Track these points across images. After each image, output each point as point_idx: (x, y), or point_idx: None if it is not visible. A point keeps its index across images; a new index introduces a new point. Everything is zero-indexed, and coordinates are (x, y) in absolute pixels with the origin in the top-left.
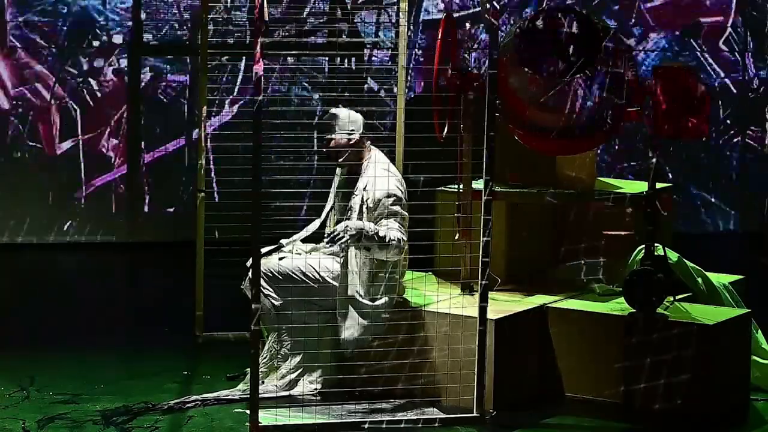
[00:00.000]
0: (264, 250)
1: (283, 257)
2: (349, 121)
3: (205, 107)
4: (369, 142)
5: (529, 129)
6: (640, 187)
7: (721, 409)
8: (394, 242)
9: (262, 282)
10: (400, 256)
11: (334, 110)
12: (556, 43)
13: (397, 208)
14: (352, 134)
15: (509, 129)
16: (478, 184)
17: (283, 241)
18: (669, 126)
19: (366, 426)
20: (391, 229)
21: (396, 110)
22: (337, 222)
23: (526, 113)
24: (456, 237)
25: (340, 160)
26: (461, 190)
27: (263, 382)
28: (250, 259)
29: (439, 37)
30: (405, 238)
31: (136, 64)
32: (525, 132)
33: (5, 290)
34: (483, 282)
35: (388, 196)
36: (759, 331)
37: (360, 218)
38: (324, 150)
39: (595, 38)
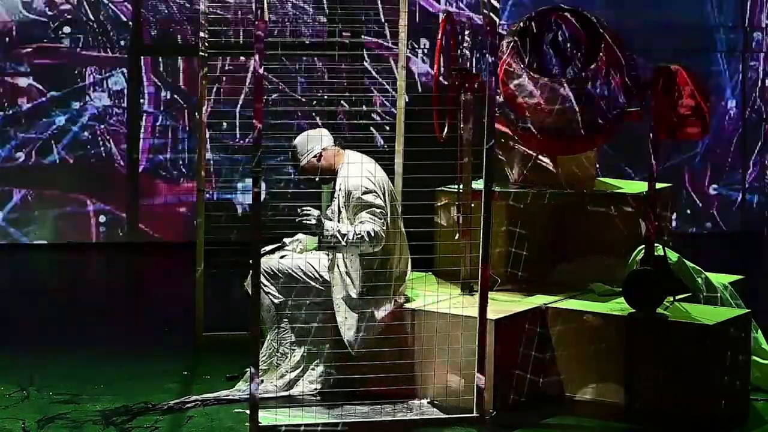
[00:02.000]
0: (266, 248)
1: (284, 255)
2: (306, 142)
3: (205, 107)
4: (337, 147)
5: (528, 129)
6: (640, 187)
7: (721, 409)
8: (360, 237)
9: (263, 279)
10: (377, 248)
11: (293, 143)
12: (555, 43)
13: (369, 198)
14: (314, 153)
15: (510, 129)
16: (478, 184)
17: (286, 240)
18: (669, 126)
19: (366, 426)
20: (363, 223)
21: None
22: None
23: (525, 113)
24: (456, 237)
25: (318, 178)
26: (461, 191)
27: (261, 381)
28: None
29: (439, 36)
30: (377, 229)
31: (136, 63)
32: (525, 132)
33: (5, 290)
34: (482, 276)
35: (357, 188)
36: (759, 331)
37: (340, 218)
38: (302, 178)
39: (596, 38)
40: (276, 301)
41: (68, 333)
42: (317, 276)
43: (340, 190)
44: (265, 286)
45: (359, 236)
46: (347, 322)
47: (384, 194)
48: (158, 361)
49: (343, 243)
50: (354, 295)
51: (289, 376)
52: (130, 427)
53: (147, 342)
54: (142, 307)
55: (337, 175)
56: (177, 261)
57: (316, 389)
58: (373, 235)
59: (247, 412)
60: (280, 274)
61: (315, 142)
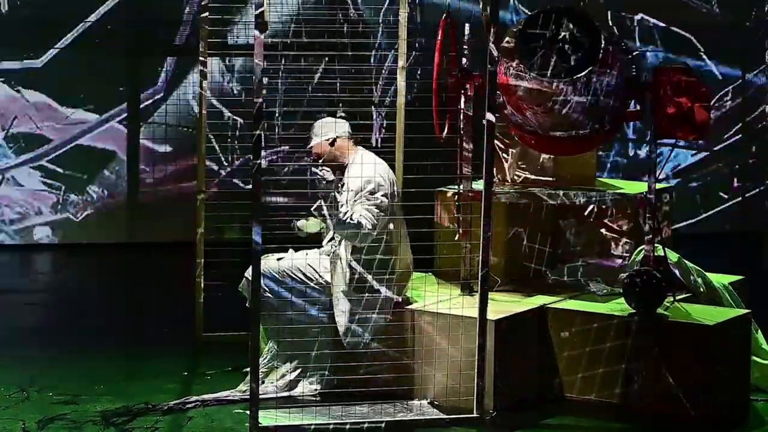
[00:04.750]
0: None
1: (282, 257)
2: (323, 126)
3: (204, 109)
4: (351, 142)
5: (527, 129)
6: (640, 187)
7: (721, 409)
8: (350, 219)
9: (262, 281)
10: (360, 242)
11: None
12: (555, 43)
13: (377, 194)
14: (327, 137)
15: (510, 129)
16: (478, 185)
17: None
18: (669, 126)
19: (366, 427)
20: (358, 214)
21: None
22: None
23: (525, 114)
24: (456, 237)
25: (321, 161)
26: (461, 191)
27: (263, 382)
28: (250, 261)
29: (439, 36)
30: (369, 225)
31: (136, 64)
32: (524, 132)
33: (5, 290)
34: (482, 276)
35: (368, 181)
36: (759, 331)
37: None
38: (309, 157)
39: (596, 38)
40: (274, 303)
41: (68, 333)
42: (317, 278)
43: (347, 182)
44: (264, 289)
45: (351, 220)
46: (343, 312)
47: (393, 196)
48: (158, 362)
49: (334, 220)
50: (345, 293)
51: (289, 377)
52: (130, 428)
53: (147, 342)
54: (142, 307)
55: (346, 169)
56: (177, 261)
57: (316, 390)
58: (365, 228)
59: (247, 412)
60: (278, 276)
61: (331, 127)
